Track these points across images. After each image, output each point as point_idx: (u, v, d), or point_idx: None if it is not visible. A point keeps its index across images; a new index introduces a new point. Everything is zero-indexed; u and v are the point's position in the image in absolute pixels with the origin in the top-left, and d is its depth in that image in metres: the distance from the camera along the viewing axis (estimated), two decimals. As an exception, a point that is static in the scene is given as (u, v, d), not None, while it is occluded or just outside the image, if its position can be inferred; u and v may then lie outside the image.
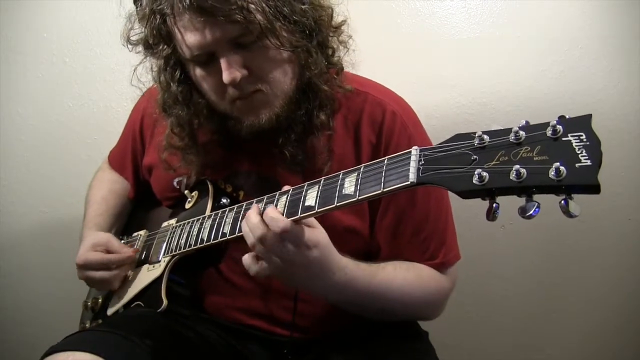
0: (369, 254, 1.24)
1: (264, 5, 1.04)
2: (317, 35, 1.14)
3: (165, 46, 1.13)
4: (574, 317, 1.84)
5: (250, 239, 0.98)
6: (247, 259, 1.02)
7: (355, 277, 1.06)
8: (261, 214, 0.97)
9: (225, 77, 1.07)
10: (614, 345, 1.83)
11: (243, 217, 1.05)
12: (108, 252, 1.33)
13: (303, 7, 1.10)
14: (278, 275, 1.01)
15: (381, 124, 1.20)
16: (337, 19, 1.19)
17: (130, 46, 1.19)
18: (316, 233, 0.98)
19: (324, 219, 1.00)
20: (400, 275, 1.15)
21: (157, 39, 1.12)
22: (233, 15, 1.01)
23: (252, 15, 1.03)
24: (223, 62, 1.07)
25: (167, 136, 1.28)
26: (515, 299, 1.86)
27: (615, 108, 1.71)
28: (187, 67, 1.17)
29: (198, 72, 1.14)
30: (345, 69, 1.23)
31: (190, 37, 1.06)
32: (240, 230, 1.06)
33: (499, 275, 1.85)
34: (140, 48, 1.18)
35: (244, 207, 1.10)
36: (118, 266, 1.32)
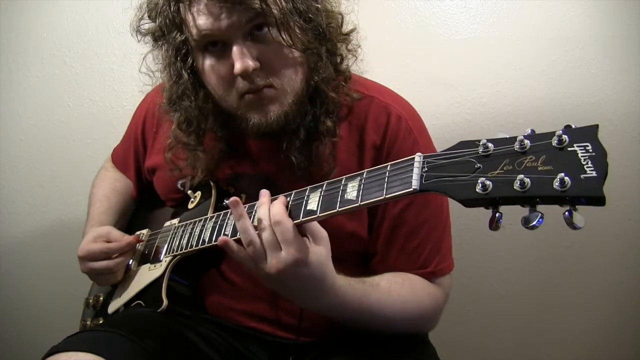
0: (367, 255, 1.24)
1: None
2: (327, 41, 1.13)
3: (178, 33, 1.11)
4: (573, 316, 1.84)
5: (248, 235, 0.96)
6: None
7: (346, 301, 1.04)
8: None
9: (237, 66, 1.05)
10: (613, 345, 1.84)
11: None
12: (109, 242, 1.33)
13: (318, 6, 1.10)
14: (265, 278, 0.97)
15: (386, 127, 1.19)
16: (347, 27, 1.18)
17: (139, 36, 1.18)
18: (316, 250, 0.96)
19: (324, 222, 0.99)
20: (395, 293, 1.13)
21: (169, 27, 1.11)
22: (251, 3, 1.01)
23: (269, 8, 1.02)
24: (236, 51, 1.05)
25: (174, 132, 1.26)
26: (515, 299, 1.86)
27: (615, 108, 1.71)
28: (196, 59, 1.15)
29: (207, 62, 1.12)
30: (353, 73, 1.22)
31: (205, 22, 1.05)
32: None
33: (499, 274, 1.85)
34: (149, 38, 1.17)
35: (245, 209, 1.09)
36: (120, 254, 1.31)
